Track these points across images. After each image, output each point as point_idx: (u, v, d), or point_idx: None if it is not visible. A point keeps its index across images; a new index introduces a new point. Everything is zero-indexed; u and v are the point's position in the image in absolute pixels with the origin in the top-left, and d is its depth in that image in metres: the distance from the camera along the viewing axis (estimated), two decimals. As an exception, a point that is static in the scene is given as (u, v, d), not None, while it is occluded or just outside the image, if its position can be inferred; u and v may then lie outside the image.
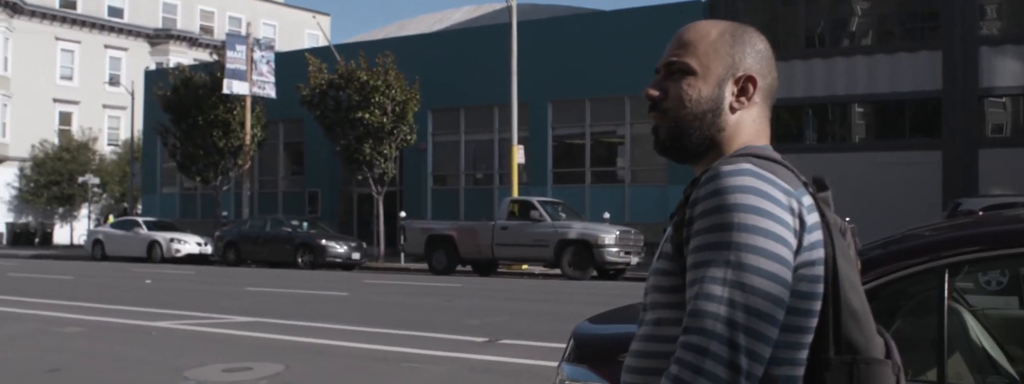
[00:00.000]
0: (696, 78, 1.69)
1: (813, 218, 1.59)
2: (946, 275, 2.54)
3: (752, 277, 1.47)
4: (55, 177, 48.21)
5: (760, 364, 1.47)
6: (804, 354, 1.57)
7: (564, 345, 3.79)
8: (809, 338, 1.57)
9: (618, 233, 21.87)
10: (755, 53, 1.72)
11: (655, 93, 1.73)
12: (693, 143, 1.70)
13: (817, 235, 1.58)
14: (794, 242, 1.53)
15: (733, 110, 1.70)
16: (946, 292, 2.54)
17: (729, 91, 1.70)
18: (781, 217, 1.52)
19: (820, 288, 1.57)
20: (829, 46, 26.99)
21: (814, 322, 1.57)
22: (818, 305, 1.57)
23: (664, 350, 1.59)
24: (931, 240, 2.75)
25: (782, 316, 1.50)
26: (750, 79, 1.70)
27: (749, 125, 1.71)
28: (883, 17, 27.22)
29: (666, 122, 1.71)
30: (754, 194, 1.51)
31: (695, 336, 1.47)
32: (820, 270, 1.58)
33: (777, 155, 1.65)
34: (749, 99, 1.71)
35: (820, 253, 1.58)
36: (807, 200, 1.59)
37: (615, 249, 21.61)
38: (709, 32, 1.72)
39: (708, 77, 1.69)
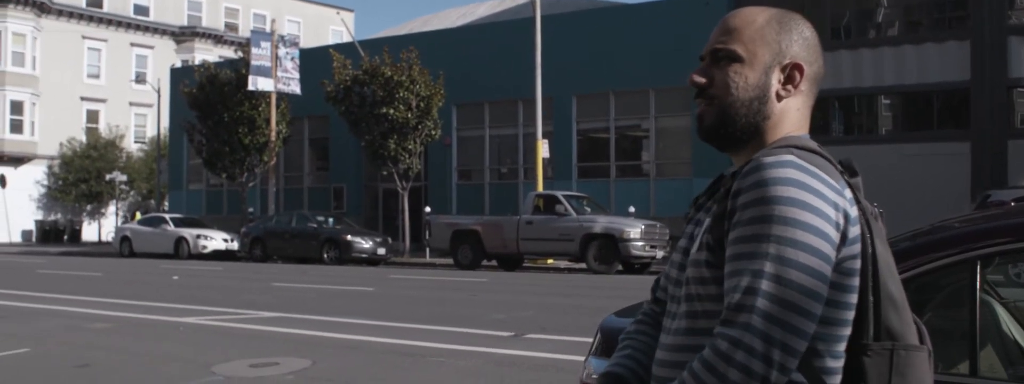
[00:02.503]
0: (742, 65, 1.68)
1: (854, 211, 1.58)
2: (978, 267, 2.50)
3: (791, 271, 1.46)
4: (83, 175, 48.58)
5: (794, 357, 1.47)
6: (842, 346, 1.58)
7: (590, 339, 3.77)
8: (847, 331, 1.58)
9: (643, 227, 21.81)
10: (802, 40, 1.71)
11: (701, 80, 1.72)
12: (738, 130, 1.69)
13: (858, 228, 1.58)
14: (837, 236, 1.52)
15: (779, 98, 1.69)
16: (978, 284, 2.50)
17: (776, 78, 1.69)
18: (824, 211, 1.51)
19: (857, 281, 1.57)
20: (855, 37, 26.79)
21: (851, 314, 1.58)
22: (855, 297, 1.58)
23: (702, 344, 1.57)
24: (962, 231, 2.71)
25: (820, 310, 1.49)
26: (797, 66, 1.69)
27: (793, 114, 1.71)
28: (910, 7, 26.98)
29: (712, 109, 1.70)
30: (796, 187, 1.50)
31: (730, 328, 1.47)
32: (858, 263, 1.58)
33: (817, 146, 1.64)
34: (796, 87, 1.70)
35: (859, 247, 1.58)
36: (848, 193, 1.59)
37: (640, 243, 21.56)
38: (755, 18, 1.71)
39: (755, 64, 1.68)
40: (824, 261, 1.49)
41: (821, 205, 1.51)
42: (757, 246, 1.49)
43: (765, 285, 1.46)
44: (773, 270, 1.46)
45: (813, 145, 1.63)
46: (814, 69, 1.72)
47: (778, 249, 1.47)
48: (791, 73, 1.69)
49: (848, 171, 1.65)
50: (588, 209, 23.42)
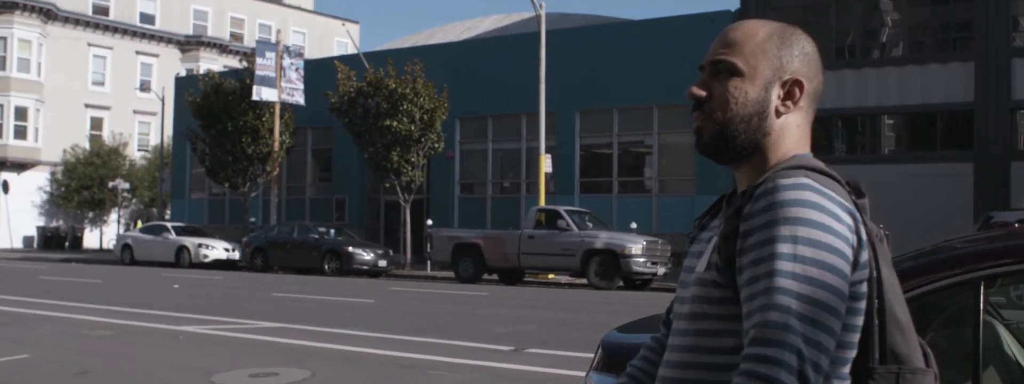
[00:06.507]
0: (742, 79, 1.65)
1: (864, 235, 1.57)
2: (981, 288, 2.51)
3: (815, 290, 1.45)
4: (86, 182, 48.62)
5: (826, 356, 1.45)
6: (847, 369, 1.56)
7: (591, 354, 3.78)
8: (852, 353, 1.56)
9: (645, 243, 21.79)
10: (803, 55, 1.69)
11: (701, 92, 1.69)
12: (737, 146, 1.66)
13: (867, 253, 1.56)
14: (852, 258, 1.51)
15: (778, 114, 1.66)
16: (981, 305, 2.50)
17: (775, 94, 1.66)
18: (841, 232, 1.50)
19: (864, 304, 1.56)
20: (860, 56, 26.83)
21: (857, 337, 1.56)
22: (861, 320, 1.56)
23: (709, 361, 1.58)
24: (966, 252, 2.72)
25: (839, 328, 1.48)
26: (797, 82, 1.67)
27: (793, 130, 1.68)
28: (914, 28, 27.04)
29: (711, 124, 1.67)
30: (813, 209, 1.49)
31: (765, 348, 1.43)
32: (865, 287, 1.56)
33: (826, 167, 1.62)
34: (795, 103, 1.67)
35: (867, 271, 1.56)
36: (858, 216, 1.57)
37: (642, 259, 21.53)
38: (756, 32, 1.69)
39: (755, 78, 1.65)
40: (843, 280, 1.48)
41: (839, 227, 1.50)
42: (775, 264, 1.46)
43: (791, 302, 1.43)
44: (797, 288, 1.44)
45: (823, 166, 1.61)
46: (814, 85, 1.69)
47: (803, 269, 1.45)
48: (791, 89, 1.66)
49: (855, 192, 1.63)
50: (590, 224, 23.39)
